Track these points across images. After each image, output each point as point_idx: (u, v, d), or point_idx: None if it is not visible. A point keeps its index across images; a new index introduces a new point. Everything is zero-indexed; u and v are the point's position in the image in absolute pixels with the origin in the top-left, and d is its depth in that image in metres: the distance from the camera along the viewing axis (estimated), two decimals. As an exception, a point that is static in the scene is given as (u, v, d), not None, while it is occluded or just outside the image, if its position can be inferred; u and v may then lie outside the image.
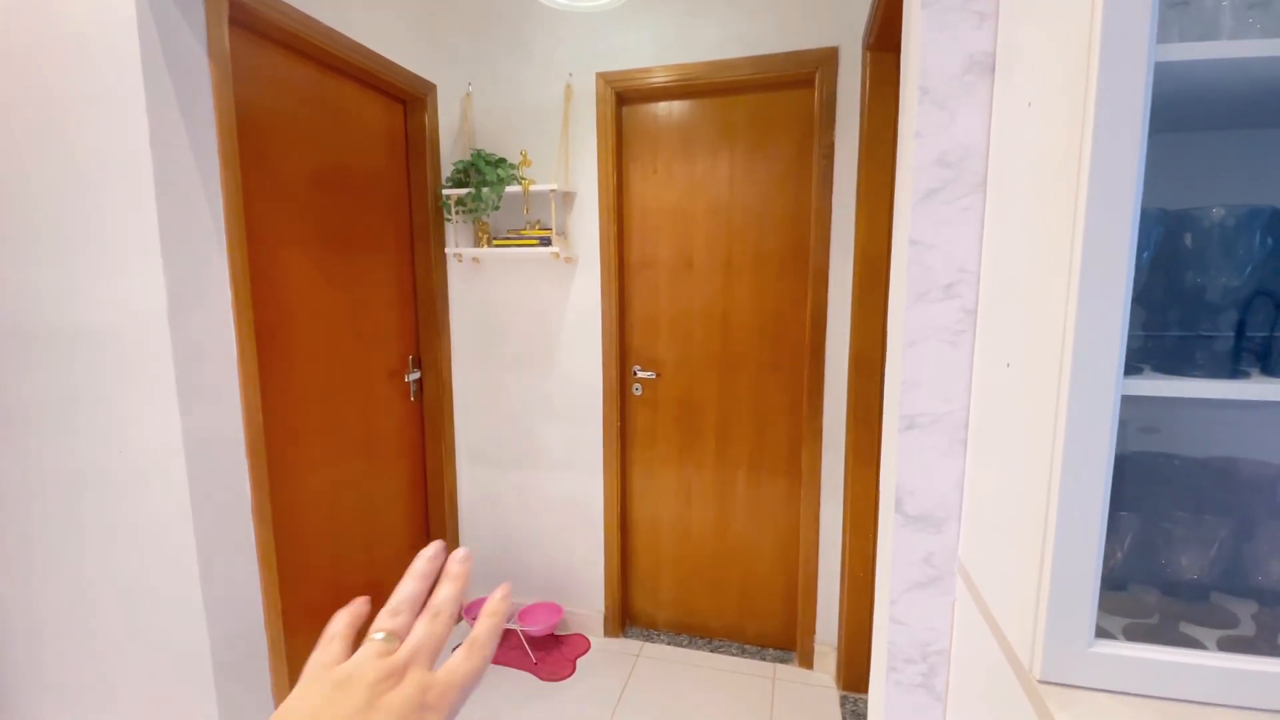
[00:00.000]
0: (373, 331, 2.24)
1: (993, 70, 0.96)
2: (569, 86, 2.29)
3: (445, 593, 0.41)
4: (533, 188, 2.23)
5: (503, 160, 2.28)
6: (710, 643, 2.53)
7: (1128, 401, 0.65)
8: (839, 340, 2.18)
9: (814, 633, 2.34)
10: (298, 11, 1.73)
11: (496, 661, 2.37)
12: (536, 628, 2.42)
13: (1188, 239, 0.70)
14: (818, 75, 2.08)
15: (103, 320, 1.47)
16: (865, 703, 2.17)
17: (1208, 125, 0.83)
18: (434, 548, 0.43)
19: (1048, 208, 0.71)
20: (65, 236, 1.47)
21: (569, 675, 2.31)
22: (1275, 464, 0.81)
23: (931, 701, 1.14)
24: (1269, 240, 0.68)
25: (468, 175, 2.28)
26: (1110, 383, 0.63)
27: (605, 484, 2.47)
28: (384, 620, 0.39)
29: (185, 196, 1.46)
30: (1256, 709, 0.65)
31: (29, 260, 1.51)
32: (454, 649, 0.39)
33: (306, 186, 1.92)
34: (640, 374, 2.47)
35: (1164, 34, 0.64)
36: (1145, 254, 0.70)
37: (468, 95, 2.40)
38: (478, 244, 2.39)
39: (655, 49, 2.21)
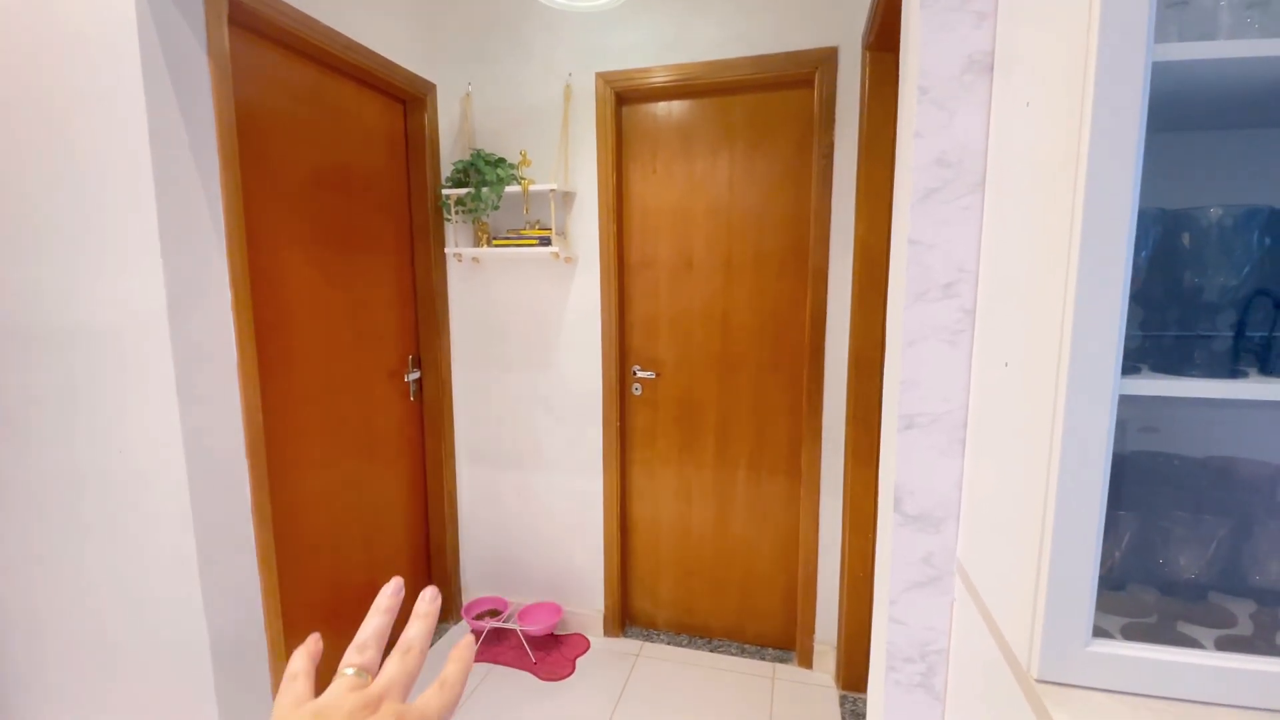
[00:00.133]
0: (372, 331, 2.24)
1: (991, 70, 0.96)
2: (568, 86, 2.29)
3: (416, 630, 0.42)
4: (532, 187, 2.23)
5: (502, 160, 2.28)
6: (710, 642, 2.53)
7: (1126, 401, 0.65)
8: (838, 340, 2.18)
9: (813, 632, 2.34)
10: (297, 11, 1.73)
11: (497, 661, 2.37)
12: (536, 627, 2.42)
13: (1186, 238, 0.70)
14: (817, 75, 2.08)
15: (103, 320, 1.47)
16: (865, 702, 2.17)
17: (1206, 125, 0.83)
18: (395, 584, 0.44)
19: (1046, 207, 0.71)
20: (65, 236, 1.47)
21: (568, 675, 2.31)
22: (1273, 464, 0.81)
23: (930, 701, 1.14)
24: (1267, 240, 0.68)
25: (467, 175, 2.28)
26: (1108, 382, 0.64)
27: (605, 484, 2.47)
28: (353, 656, 0.40)
29: (185, 196, 1.46)
30: (1254, 708, 0.65)
31: (29, 260, 1.51)
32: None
33: (306, 186, 1.92)
34: (640, 374, 2.47)
35: (1162, 33, 0.64)
36: (1143, 253, 0.70)
37: (467, 95, 2.40)
38: (477, 244, 2.39)
39: (655, 49, 2.21)
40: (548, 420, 2.51)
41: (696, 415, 2.43)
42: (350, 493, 2.15)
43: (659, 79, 2.21)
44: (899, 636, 1.14)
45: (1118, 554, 0.79)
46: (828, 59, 2.05)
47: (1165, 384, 0.66)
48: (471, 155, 2.30)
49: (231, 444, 1.60)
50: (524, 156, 2.31)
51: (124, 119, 1.38)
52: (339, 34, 1.90)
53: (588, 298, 2.39)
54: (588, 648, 2.48)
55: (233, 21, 1.58)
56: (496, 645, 2.46)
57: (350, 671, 0.38)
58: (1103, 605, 0.69)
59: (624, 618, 2.61)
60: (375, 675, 0.38)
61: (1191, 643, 0.70)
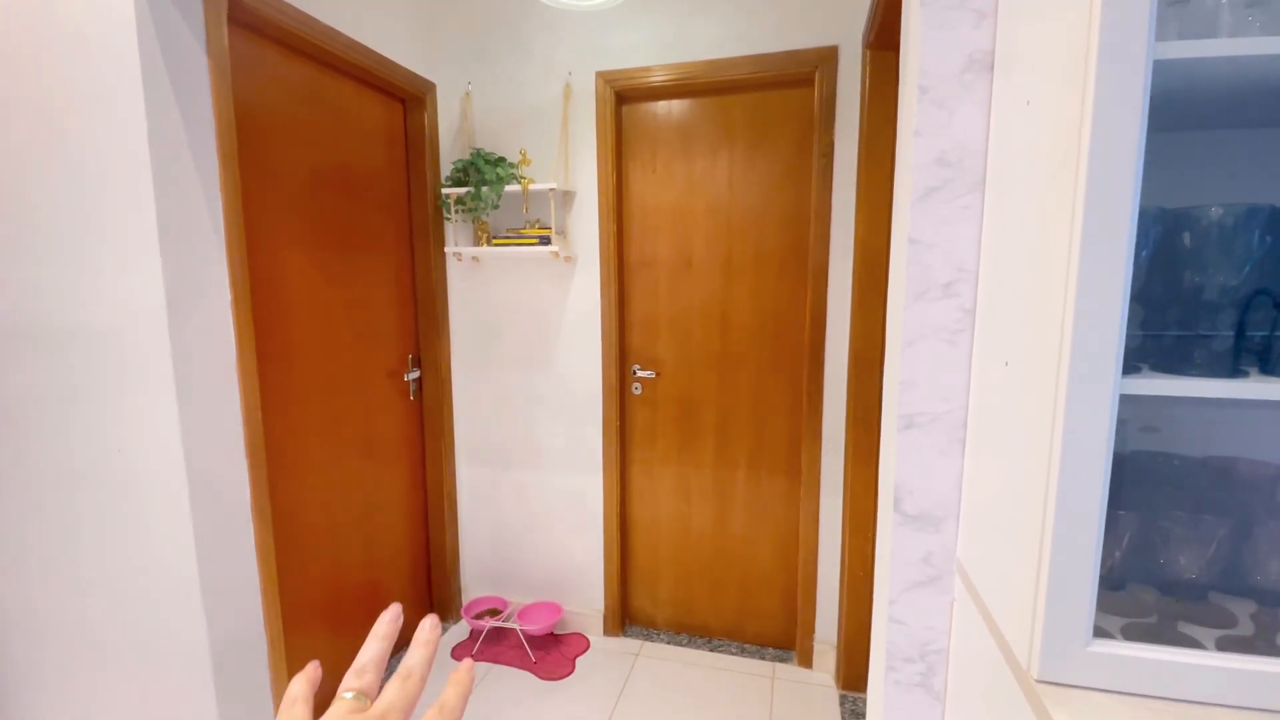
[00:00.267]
0: (372, 331, 2.24)
1: (992, 69, 0.96)
2: (568, 85, 2.29)
3: (417, 657, 0.42)
4: (532, 187, 2.23)
5: (502, 159, 2.28)
6: (710, 642, 2.53)
7: (1126, 401, 0.65)
8: (838, 339, 2.18)
9: (813, 632, 2.34)
10: (297, 10, 1.73)
11: (497, 661, 2.37)
12: (536, 627, 2.42)
13: (1186, 238, 0.70)
14: (817, 74, 2.07)
15: (102, 320, 1.47)
16: (864, 702, 2.17)
17: (1206, 124, 0.83)
18: (394, 610, 0.44)
19: (1046, 206, 0.71)
20: (64, 236, 1.47)
21: (568, 674, 2.31)
22: (1274, 464, 0.80)
23: (930, 701, 1.14)
24: (1268, 239, 0.68)
25: (467, 174, 2.28)
26: (1109, 381, 0.63)
27: (605, 483, 2.47)
28: (351, 680, 0.40)
29: (184, 195, 1.46)
30: (1255, 709, 0.65)
31: (28, 260, 1.51)
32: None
33: (306, 185, 1.91)
34: (640, 373, 2.47)
35: (1163, 32, 0.64)
36: (1144, 252, 0.70)
37: (467, 94, 2.40)
38: (477, 243, 2.39)
39: (655, 48, 2.21)
40: (547, 419, 2.51)
41: (696, 415, 2.43)
42: (350, 492, 2.15)
43: (659, 78, 2.20)
44: (899, 636, 1.14)
45: (1118, 554, 0.79)
46: (828, 58, 2.05)
47: (1166, 383, 0.66)
48: (471, 154, 2.30)
49: (231, 443, 1.60)
50: (524, 156, 2.31)
51: (123, 118, 1.38)
52: (339, 33, 1.90)
53: (587, 297, 2.39)
54: (587, 647, 2.48)
55: (232, 20, 1.58)
56: (496, 645, 2.46)
57: (349, 695, 0.38)
58: (1103, 605, 0.69)
59: (624, 617, 2.61)
60: (374, 700, 0.38)
61: (1192, 643, 0.70)
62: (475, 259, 2.48)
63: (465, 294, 2.53)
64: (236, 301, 1.59)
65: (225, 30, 1.53)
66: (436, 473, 2.56)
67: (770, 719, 2.09)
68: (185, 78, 1.45)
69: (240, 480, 1.63)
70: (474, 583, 2.72)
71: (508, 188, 2.24)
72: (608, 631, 2.55)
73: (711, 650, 2.47)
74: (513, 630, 2.51)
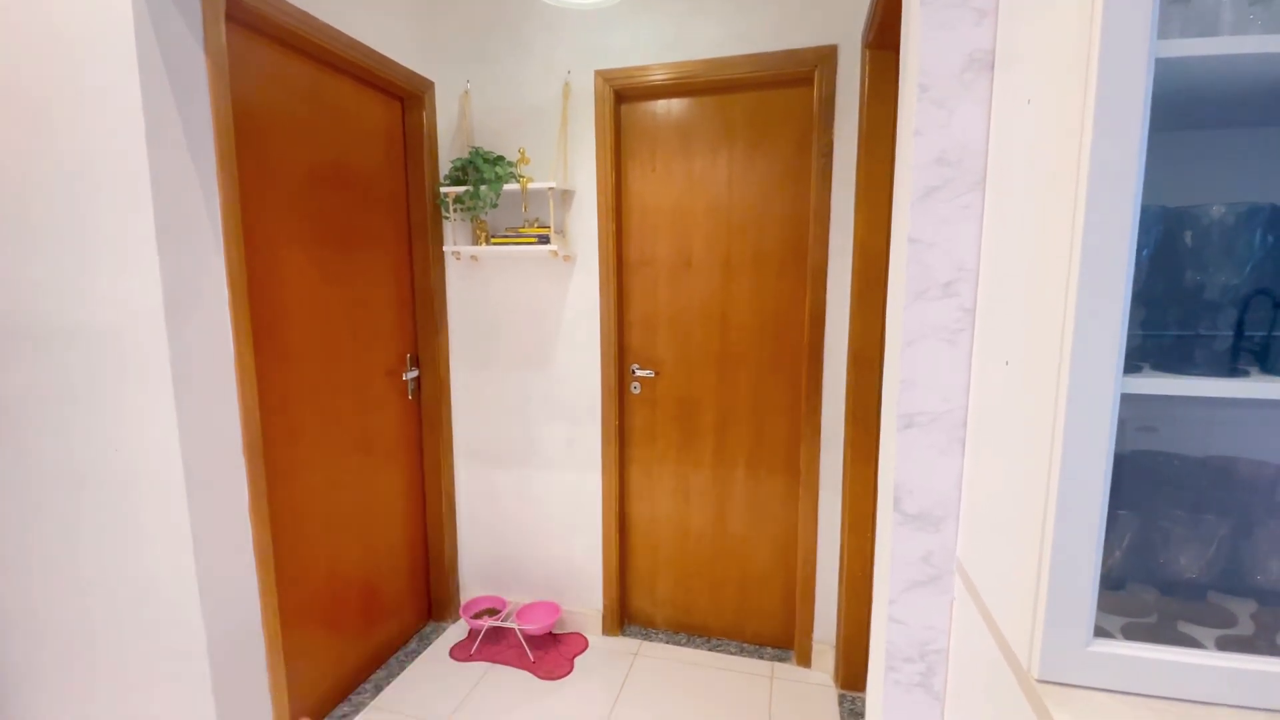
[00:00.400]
0: (370, 330, 2.23)
1: (992, 67, 0.96)
2: (567, 84, 2.28)
3: None
4: (531, 186, 2.22)
5: (501, 158, 2.28)
6: (708, 641, 2.53)
7: (1127, 400, 0.65)
8: (838, 339, 2.17)
9: (812, 631, 2.34)
10: (295, 8, 1.73)
11: (495, 660, 2.37)
12: (534, 626, 2.42)
13: (1187, 237, 0.70)
14: (817, 74, 2.07)
15: (100, 319, 1.47)
16: (863, 701, 2.17)
17: (1207, 123, 0.83)
18: None
19: (1047, 205, 0.71)
20: (62, 236, 1.46)
21: (567, 674, 2.31)
22: (1274, 463, 0.80)
23: (930, 700, 1.14)
24: (1269, 238, 0.68)
25: (466, 173, 2.28)
26: (1110, 381, 0.63)
27: (604, 482, 2.47)
28: None
29: (182, 194, 1.45)
30: (1255, 708, 0.65)
31: (26, 259, 1.50)
32: None
33: (304, 184, 1.91)
34: (639, 372, 2.46)
35: (1164, 30, 0.64)
36: (1145, 252, 0.70)
37: (466, 93, 2.39)
38: (476, 242, 2.38)
39: (654, 47, 2.20)
40: (546, 419, 2.51)
41: (695, 414, 2.43)
42: (348, 491, 2.15)
43: (658, 77, 2.20)
44: (898, 636, 1.14)
45: (1118, 553, 0.79)
46: (827, 57, 2.05)
47: (1167, 382, 0.66)
48: (470, 153, 2.29)
49: (229, 442, 1.59)
50: (523, 154, 2.30)
51: (121, 117, 1.37)
52: (337, 31, 1.89)
53: (586, 296, 2.39)
54: (586, 647, 2.48)
55: (230, 19, 1.58)
56: (495, 644, 2.46)
57: None
58: (1103, 605, 0.69)
59: (622, 617, 2.61)
60: None
61: (1192, 642, 0.70)
62: (474, 258, 2.47)
63: (464, 293, 2.53)
64: (235, 301, 1.58)
65: (223, 28, 1.53)
66: (435, 472, 2.55)
67: (769, 718, 2.09)
68: (183, 76, 1.45)
69: (238, 479, 1.62)
70: (472, 582, 2.72)
71: (506, 186, 2.24)
72: (606, 631, 2.55)
73: (710, 650, 2.47)
74: (511, 630, 2.51)
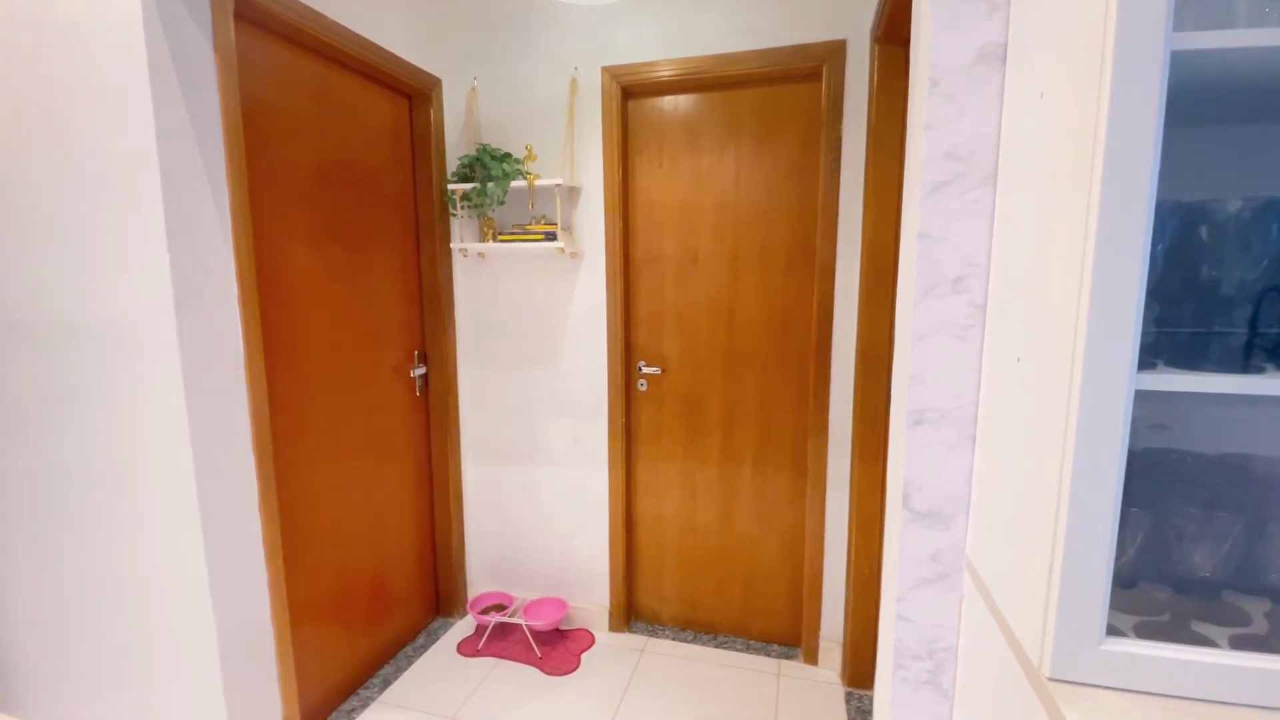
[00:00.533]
0: (378, 326, 2.24)
1: (1004, 61, 0.95)
2: (574, 81, 2.28)
3: None
4: (538, 182, 2.22)
5: (508, 155, 2.28)
6: (715, 638, 2.53)
7: (1140, 397, 0.64)
8: (845, 335, 2.17)
9: (819, 629, 2.34)
10: (303, 5, 1.73)
11: (502, 656, 2.38)
12: (541, 623, 2.42)
13: (1203, 232, 0.69)
14: (825, 69, 2.06)
15: (110, 315, 1.48)
16: (870, 699, 2.16)
17: (1222, 118, 0.82)
18: None
19: (1060, 200, 0.70)
20: (71, 232, 1.47)
21: (574, 670, 2.32)
22: (1290, 461, 0.79)
23: (938, 698, 1.14)
24: (1286, 233, 0.67)
25: (473, 170, 2.28)
26: (1124, 377, 0.63)
27: (610, 479, 2.47)
28: None
29: (191, 191, 1.46)
30: (1269, 708, 0.64)
31: (36, 256, 1.51)
32: None
33: (312, 181, 1.92)
34: (645, 369, 2.46)
35: (1179, 22, 0.63)
36: (1160, 247, 0.69)
37: (473, 90, 2.39)
38: (483, 239, 2.39)
39: (661, 43, 2.20)
40: (553, 415, 2.51)
41: (702, 411, 2.43)
42: (356, 487, 2.16)
43: (665, 73, 2.19)
44: (907, 633, 1.13)
45: (1131, 551, 0.78)
46: (835, 52, 2.04)
47: (1181, 379, 0.65)
48: (477, 150, 2.29)
49: (238, 438, 1.60)
50: (530, 151, 2.30)
51: (130, 115, 1.38)
52: (345, 29, 1.90)
53: (593, 293, 2.39)
54: (593, 643, 2.48)
55: (238, 16, 1.58)
56: (502, 640, 2.47)
57: None
58: (1115, 603, 0.69)
59: (629, 613, 2.62)
60: None
61: (1206, 641, 0.70)
62: (481, 255, 2.48)
63: (471, 290, 2.53)
64: (244, 297, 1.59)
65: (231, 26, 1.53)
66: (442, 468, 2.56)
67: (776, 715, 2.08)
68: (192, 74, 1.45)
69: (248, 476, 1.63)
70: (480, 578, 2.73)
71: (514, 183, 2.24)
72: (613, 627, 2.56)
73: (717, 647, 2.47)
74: (518, 626, 2.52)
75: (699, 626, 2.57)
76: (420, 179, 2.38)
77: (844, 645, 2.25)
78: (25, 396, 1.59)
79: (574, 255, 2.37)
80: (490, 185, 2.21)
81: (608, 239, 2.33)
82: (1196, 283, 0.71)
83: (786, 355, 2.31)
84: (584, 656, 2.40)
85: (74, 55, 1.40)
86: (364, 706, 2.11)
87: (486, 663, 2.35)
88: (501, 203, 2.27)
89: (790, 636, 2.46)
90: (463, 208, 2.34)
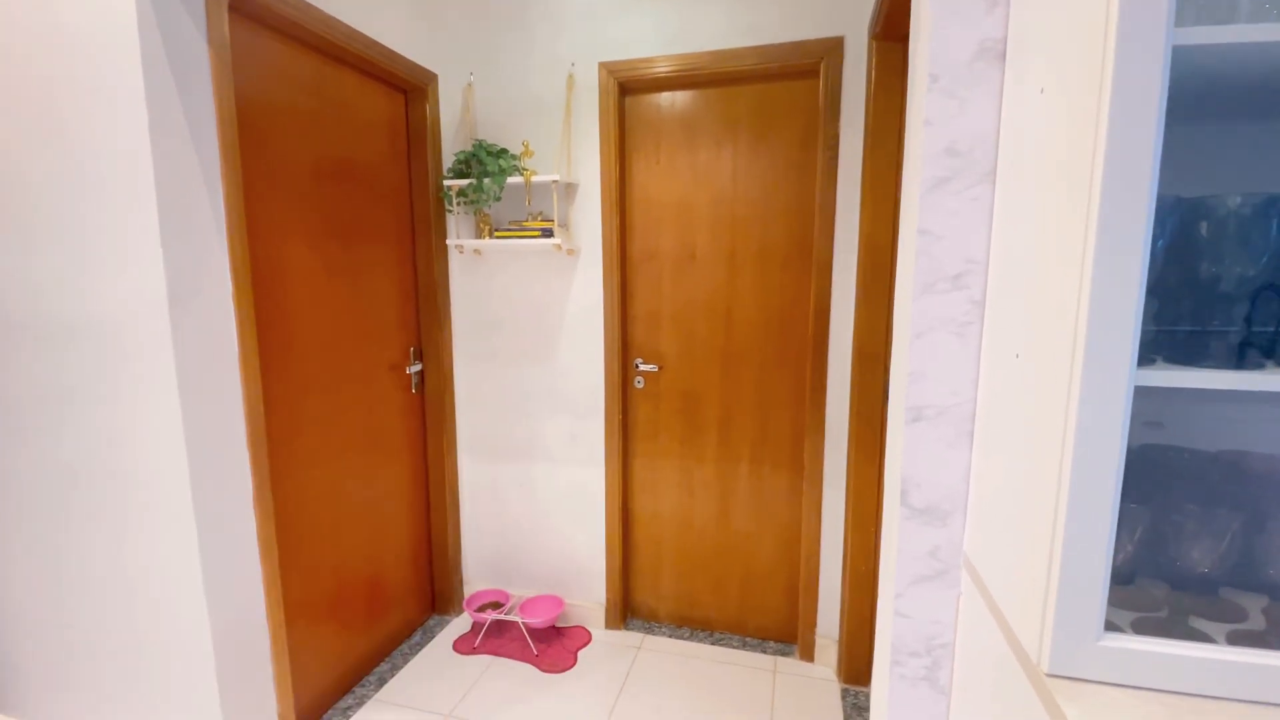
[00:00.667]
0: (374, 323, 2.23)
1: (1004, 57, 0.95)
2: (571, 76, 2.27)
3: None
4: (535, 179, 2.21)
5: (504, 151, 2.27)
6: (711, 635, 2.53)
7: (1139, 393, 0.64)
8: (842, 333, 2.17)
9: (815, 626, 2.34)
10: (298, -1, 1.72)
11: (499, 653, 2.38)
12: (538, 620, 2.42)
13: (1203, 228, 0.69)
14: (823, 65, 2.06)
15: (103, 313, 1.47)
16: (866, 696, 2.17)
17: (1224, 113, 0.82)
18: None
19: (1060, 196, 0.70)
20: (65, 229, 1.46)
21: (570, 667, 2.31)
22: (1287, 457, 0.80)
23: (935, 695, 1.14)
24: (1287, 229, 0.67)
25: (469, 166, 2.27)
26: (1123, 373, 0.63)
27: (607, 477, 2.47)
28: None
29: (185, 187, 1.45)
30: (1267, 703, 0.65)
31: (28, 253, 1.50)
32: None
33: (307, 177, 1.90)
34: (642, 367, 2.46)
35: (1180, 18, 0.63)
36: (1159, 243, 0.69)
37: (469, 85, 2.38)
38: (479, 235, 2.38)
39: (658, 39, 2.19)
40: (549, 413, 2.51)
41: (699, 409, 2.43)
42: (352, 485, 2.15)
43: (662, 69, 2.19)
44: (904, 630, 1.13)
45: (1129, 548, 0.78)
46: (833, 49, 2.03)
47: (1181, 375, 0.65)
48: (473, 146, 2.28)
49: (233, 436, 1.59)
50: (526, 147, 2.29)
51: (123, 109, 1.37)
52: (340, 23, 1.88)
53: (590, 290, 2.38)
54: (589, 640, 2.48)
55: (233, 10, 1.57)
56: (498, 638, 2.46)
57: None
58: (1113, 599, 0.69)
59: (626, 610, 2.62)
60: None
61: (1203, 637, 0.70)
62: (477, 251, 2.47)
63: (467, 286, 2.52)
64: (238, 294, 1.58)
65: (226, 19, 1.52)
66: (438, 466, 2.55)
67: (772, 712, 2.09)
68: (186, 68, 1.44)
69: (242, 473, 1.62)
70: (476, 576, 2.72)
71: (510, 180, 2.23)
72: (610, 625, 2.56)
73: (713, 644, 2.47)
74: (515, 623, 2.51)
75: (695, 624, 2.57)
76: (416, 175, 2.37)
77: (840, 642, 2.26)
78: (23, 396, 1.58)
79: (571, 252, 2.36)
80: (486, 181, 2.20)
81: (605, 236, 2.32)
82: (1196, 279, 0.71)
83: (784, 352, 2.31)
84: (580, 654, 2.40)
85: (67, 49, 1.39)
86: (360, 704, 2.10)
87: (483, 660, 2.35)
88: (498, 199, 2.26)
89: (787, 633, 2.47)
90: (459, 204, 2.33)
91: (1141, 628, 0.72)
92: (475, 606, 2.51)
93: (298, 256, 1.87)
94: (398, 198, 2.33)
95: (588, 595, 2.58)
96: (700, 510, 2.48)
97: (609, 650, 2.43)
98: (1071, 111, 0.68)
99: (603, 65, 2.23)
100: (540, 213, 2.35)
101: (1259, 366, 0.67)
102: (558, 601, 2.53)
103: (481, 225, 2.36)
